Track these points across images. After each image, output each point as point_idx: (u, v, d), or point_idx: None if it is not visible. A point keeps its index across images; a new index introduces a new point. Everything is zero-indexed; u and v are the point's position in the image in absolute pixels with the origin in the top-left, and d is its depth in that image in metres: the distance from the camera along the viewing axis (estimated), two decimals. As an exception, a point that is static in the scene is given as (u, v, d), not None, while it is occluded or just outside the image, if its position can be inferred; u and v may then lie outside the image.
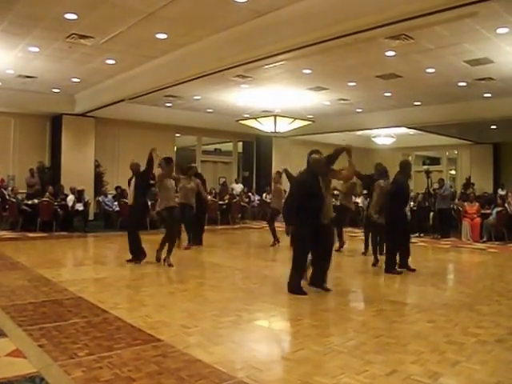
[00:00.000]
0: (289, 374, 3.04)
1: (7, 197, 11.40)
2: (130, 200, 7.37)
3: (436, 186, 11.80)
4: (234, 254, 8.91)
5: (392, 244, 6.68)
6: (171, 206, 7.01)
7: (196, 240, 9.17)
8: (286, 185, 9.43)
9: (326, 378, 2.92)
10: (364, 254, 8.33)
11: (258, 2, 6.53)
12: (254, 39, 7.19)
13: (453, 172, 21.37)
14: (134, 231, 7.18)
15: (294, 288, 5.22)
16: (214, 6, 6.67)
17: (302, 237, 5.29)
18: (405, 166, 6.94)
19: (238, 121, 14.62)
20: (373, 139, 18.53)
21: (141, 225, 7.95)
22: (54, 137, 13.95)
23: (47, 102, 12.93)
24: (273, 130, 13.77)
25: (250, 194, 16.88)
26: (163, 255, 7.02)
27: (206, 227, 9.94)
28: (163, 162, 7.00)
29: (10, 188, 12.27)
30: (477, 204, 11.73)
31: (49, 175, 13.50)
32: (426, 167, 20.58)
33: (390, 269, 6.57)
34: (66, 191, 12.17)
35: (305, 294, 5.16)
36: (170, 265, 6.86)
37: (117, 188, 13.10)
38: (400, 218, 6.67)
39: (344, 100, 13.11)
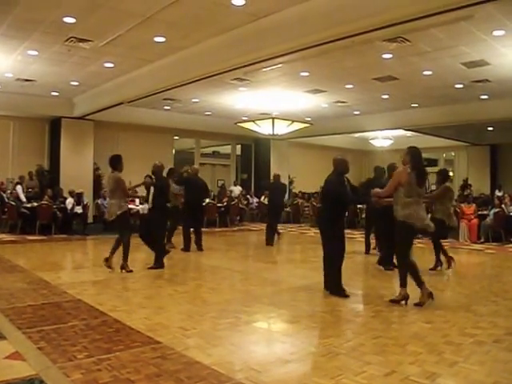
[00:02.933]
0: (287, 375, 3.05)
1: (6, 200, 11.40)
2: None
3: (433, 187, 11.82)
4: (233, 256, 8.92)
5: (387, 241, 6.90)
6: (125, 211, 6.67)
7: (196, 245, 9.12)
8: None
9: (324, 379, 2.94)
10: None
11: (256, 6, 6.56)
12: (252, 42, 7.22)
13: (450, 174, 21.43)
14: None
15: (338, 289, 5.29)
16: (211, 9, 6.70)
17: (338, 234, 5.35)
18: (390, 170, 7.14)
19: (236, 123, 14.65)
20: (371, 141, 18.59)
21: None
22: (53, 140, 13.97)
23: (46, 106, 12.94)
24: (271, 133, 13.80)
25: (248, 196, 16.92)
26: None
27: (204, 230, 9.90)
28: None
29: (8, 191, 12.26)
30: (474, 205, 11.77)
31: (48, 178, 13.50)
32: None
33: (385, 264, 6.94)
34: (65, 194, 12.17)
35: (347, 296, 5.25)
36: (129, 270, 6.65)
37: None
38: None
39: (342, 102, 13.16)
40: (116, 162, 6.67)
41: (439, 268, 7.13)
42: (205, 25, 7.34)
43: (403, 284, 4.90)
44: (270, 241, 10.10)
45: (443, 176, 7.42)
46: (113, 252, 6.65)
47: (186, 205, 9.09)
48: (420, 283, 4.83)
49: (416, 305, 4.80)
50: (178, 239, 9.26)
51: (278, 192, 10.29)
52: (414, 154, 4.93)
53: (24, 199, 11.78)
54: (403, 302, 4.86)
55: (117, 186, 6.55)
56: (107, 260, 6.64)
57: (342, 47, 7.52)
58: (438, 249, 7.11)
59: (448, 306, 5.00)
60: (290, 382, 2.94)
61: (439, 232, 6.96)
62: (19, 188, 12.15)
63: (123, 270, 6.60)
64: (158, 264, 6.99)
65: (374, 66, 9.38)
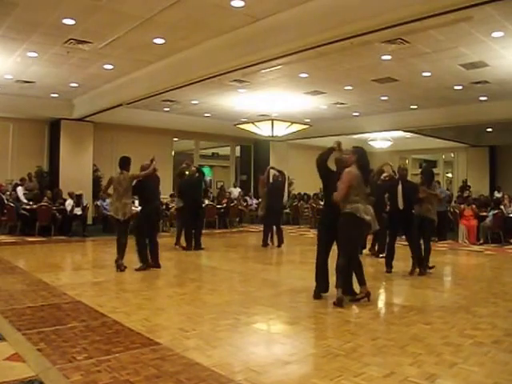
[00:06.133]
0: (287, 376, 3.06)
1: (6, 201, 11.40)
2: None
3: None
4: (232, 258, 8.93)
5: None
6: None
7: (194, 244, 9.29)
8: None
9: (323, 381, 2.94)
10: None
11: (255, 8, 6.57)
12: (251, 44, 7.23)
13: (449, 175, 21.48)
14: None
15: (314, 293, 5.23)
16: (211, 11, 6.71)
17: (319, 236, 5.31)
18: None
19: (235, 125, 14.68)
20: (370, 143, 18.60)
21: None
22: (53, 142, 13.97)
23: (46, 107, 12.94)
24: (270, 134, 13.82)
25: (247, 197, 16.93)
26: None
27: (203, 231, 9.99)
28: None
29: (8, 192, 12.26)
30: (473, 206, 11.79)
31: (47, 180, 13.51)
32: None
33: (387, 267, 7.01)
34: (65, 196, 12.18)
35: (318, 298, 5.16)
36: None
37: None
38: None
39: (341, 104, 13.17)
40: (126, 163, 6.98)
41: (429, 271, 6.94)
42: (204, 26, 7.35)
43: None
44: (266, 242, 10.17)
45: (429, 175, 7.22)
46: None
47: (186, 205, 9.23)
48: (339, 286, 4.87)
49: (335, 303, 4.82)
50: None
51: (277, 194, 10.27)
52: (360, 153, 5.05)
53: (24, 200, 11.81)
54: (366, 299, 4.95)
55: (131, 184, 6.85)
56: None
57: (341, 49, 7.53)
58: (427, 250, 6.99)
59: (447, 307, 5.01)
60: (290, 384, 2.95)
61: (431, 231, 7.10)
62: (20, 190, 12.19)
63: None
64: (143, 264, 6.94)
65: (373, 67, 9.39)
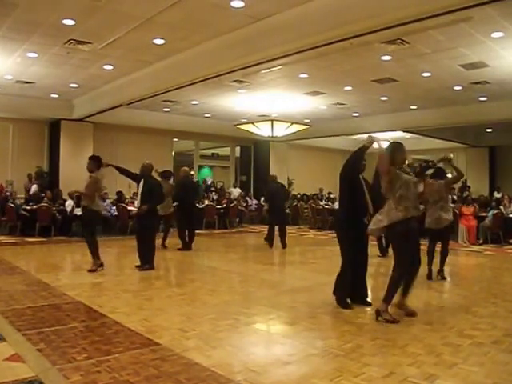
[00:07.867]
0: (286, 376, 3.06)
1: (7, 202, 11.41)
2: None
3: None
4: (232, 258, 8.93)
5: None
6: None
7: (187, 244, 9.35)
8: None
9: (323, 381, 2.94)
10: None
11: (255, 8, 6.58)
12: (251, 44, 7.24)
13: (449, 175, 21.47)
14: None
15: (338, 300, 4.99)
16: (211, 11, 6.72)
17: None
18: None
19: (235, 125, 14.69)
20: (370, 143, 18.60)
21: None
22: (53, 142, 13.98)
23: (46, 108, 12.96)
24: (270, 135, 13.84)
25: (247, 198, 16.94)
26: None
27: (203, 231, 10.01)
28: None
29: (8, 193, 12.29)
30: (474, 206, 11.81)
31: (47, 180, 13.51)
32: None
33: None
34: (65, 196, 12.18)
35: (349, 308, 4.85)
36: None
37: (118, 193, 13.13)
38: None
39: (340, 104, 13.18)
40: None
41: None
42: (204, 27, 7.36)
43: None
44: (271, 242, 10.12)
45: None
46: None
47: (180, 207, 9.31)
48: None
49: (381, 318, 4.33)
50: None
51: (278, 194, 10.23)
52: (394, 147, 4.68)
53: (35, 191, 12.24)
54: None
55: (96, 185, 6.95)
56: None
57: (341, 49, 7.54)
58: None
59: (447, 307, 5.02)
60: (289, 384, 2.95)
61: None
62: (35, 187, 12.68)
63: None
64: (149, 265, 6.98)
65: (372, 67, 9.40)
